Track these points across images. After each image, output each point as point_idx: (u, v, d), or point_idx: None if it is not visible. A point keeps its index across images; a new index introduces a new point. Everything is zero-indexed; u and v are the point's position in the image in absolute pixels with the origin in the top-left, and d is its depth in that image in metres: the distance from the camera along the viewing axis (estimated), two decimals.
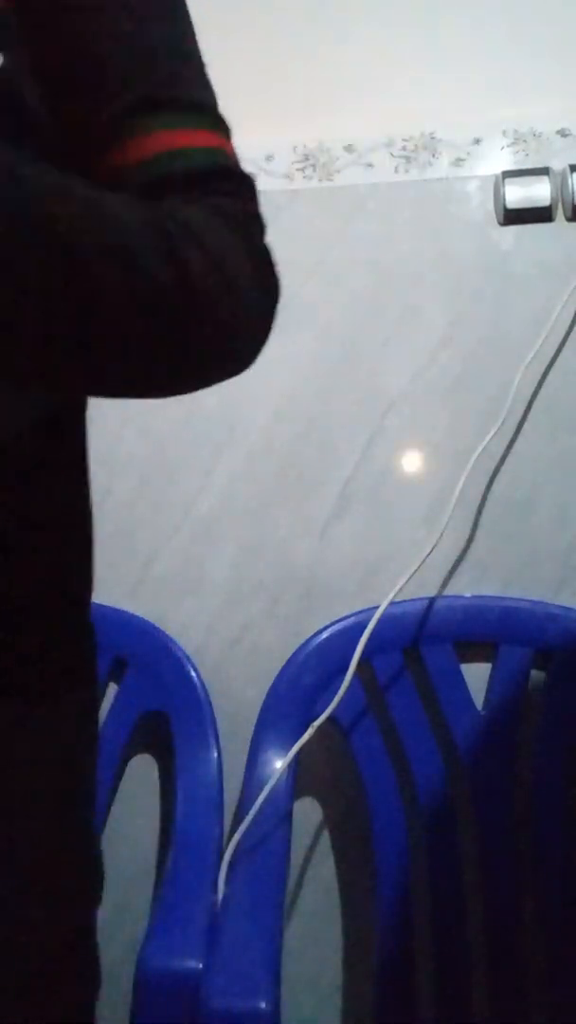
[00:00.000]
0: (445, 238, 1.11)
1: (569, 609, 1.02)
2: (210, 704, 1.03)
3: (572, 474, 1.06)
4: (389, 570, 1.07)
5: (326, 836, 1.07)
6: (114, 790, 1.09)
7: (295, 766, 0.97)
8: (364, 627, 0.97)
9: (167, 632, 1.08)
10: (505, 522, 1.06)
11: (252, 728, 0.99)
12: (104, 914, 1.10)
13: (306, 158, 1.14)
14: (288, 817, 0.94)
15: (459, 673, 1.01)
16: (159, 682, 1.05)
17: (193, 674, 1.05)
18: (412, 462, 1.09)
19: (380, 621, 0.97)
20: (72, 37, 0.47)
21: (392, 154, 1.12)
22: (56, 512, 0.53)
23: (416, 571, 0.99)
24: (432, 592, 1.06)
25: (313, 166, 1.13)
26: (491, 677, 1.01)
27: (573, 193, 1.07)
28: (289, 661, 1.02)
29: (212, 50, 1.27)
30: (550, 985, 0.93)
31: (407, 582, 0.98)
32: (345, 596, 1.07)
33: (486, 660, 1.02)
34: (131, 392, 0.47)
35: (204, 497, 1.12)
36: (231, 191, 0.51)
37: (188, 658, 1.06)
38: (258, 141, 1.14)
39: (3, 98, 0.45)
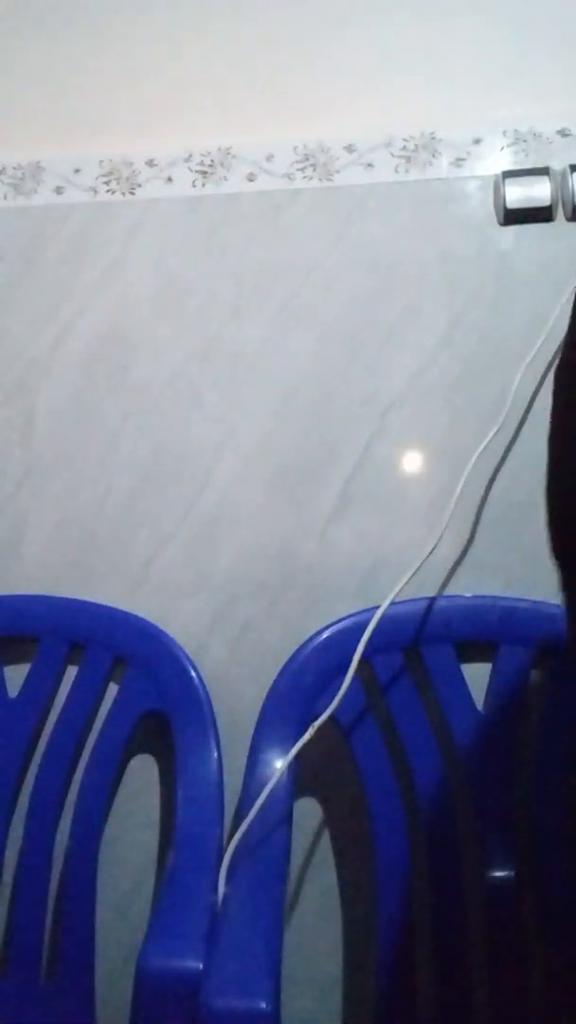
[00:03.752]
0: (445, 238, 1.11)
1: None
2: (210, 704, 1.03)
3: None
4: (389, 570, 1.07)
5: (326, 836, 1.07)
6: (114, 790, 1.09)
7: (295, 766, 0.97)
8: (364, 627, 0.97)
9: (167, 632, 1.08)
10: (505, 522, 1.06)
11: (252, 728, 0.99)
12: (104, 914, 1.11)
13: (306, 158, 1.14)
14: (288, 817, 0.94)
15: (459, 673, 1.01)
16: (159, 682, 1.05)
17: (193, 674, 1.05)
18: (412, 462, 1.09)
19: (380, 621, 0.97)
20: None
21: (392, 154, 1.12)
22: None
23: (416, 571, 0.99)
24: (432, 592, 1.06)
25: (313, 166, 1.13)
26: (491, 677, 1.01)
27: (573, 193, 1.07)
28: (289, 661, 1.02)
29: (213, 50, 1.28)
30: (550, 985, 0.93)
31: (407, 582, 0.98)
32: (345, 596, 1.07)
33: (486, 660, 1.02)
34: None
35: (204, 497, 1.12)
36: None
37: (188, 658, 1.06)
38: (258, 141, 1.15)
39: None
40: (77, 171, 1.18)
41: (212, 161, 1.16)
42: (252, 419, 1.12)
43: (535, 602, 1.03)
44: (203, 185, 1.16)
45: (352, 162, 1.13)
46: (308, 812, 1.07)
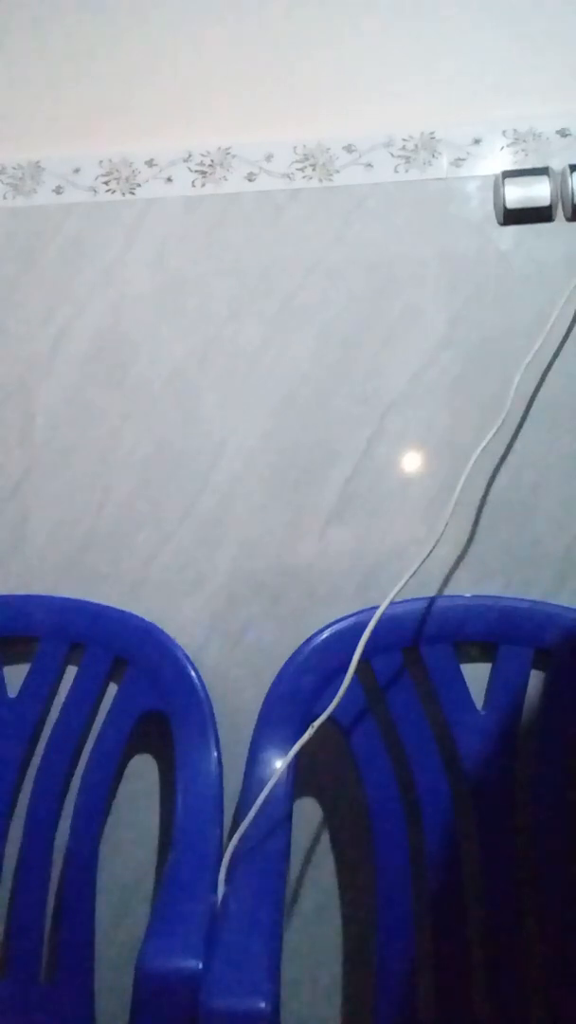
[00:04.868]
0: (445, 238, 1.11)
1: (569, 609, 1.02)
2: (210, 704, 1.03)
3: (572, 474, 1.06)
4: (389, 570, 1.07)
5: (326, 836, 1.07)
6: (114, 790, 1.09)
7: (295, 766, 0.97)
8: (364, 627, 0.97)
9: (167, 632, 1.08)
10: (505, 522, 1.06)
11: (252, 728, 0.99)
12: (104, 914, 1.11)
13: (306, 158, 1.14)
14: (288, 817, 0.94)
15: (459, 673, 1.01)
16: (159, 682, 1.05)
17: (193, 674, 1.05)
18: (412, 462, 1.09)
19: (380, 621, 0.97)
20: None
21: (392, 154, 1.12)
22: None
23: (416, 571, 0.99)
24: (432, 592, 1.06)
25: (313, 166, 1.13)
26: (491, 677, 1.01)
27: (573, 193, 1.07)
28: (289, 661, 1.02)
29: (213, 50, 1.28)
30: (550, 985, 0.93)
31: (407, 582, 0.98)
32: (345, 596, 1.07)
33: (486, 660, 1.02)
34: None
35: (204, 497, 1.12)
36: None
37: (188, 658, 1.06)
38: (258, 141, 1.15)
39: None
40: (77, 171, 1.18)
41: (212, 161, 1.16)
42: (252, 419, 1.12)
43: (535, 602, 1.03)
44: (203, 185, 1.16)
45: (352, 162, 1.13)
46: (308, 812, 1.07)
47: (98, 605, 1.11)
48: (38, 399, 1.16)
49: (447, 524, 1.02)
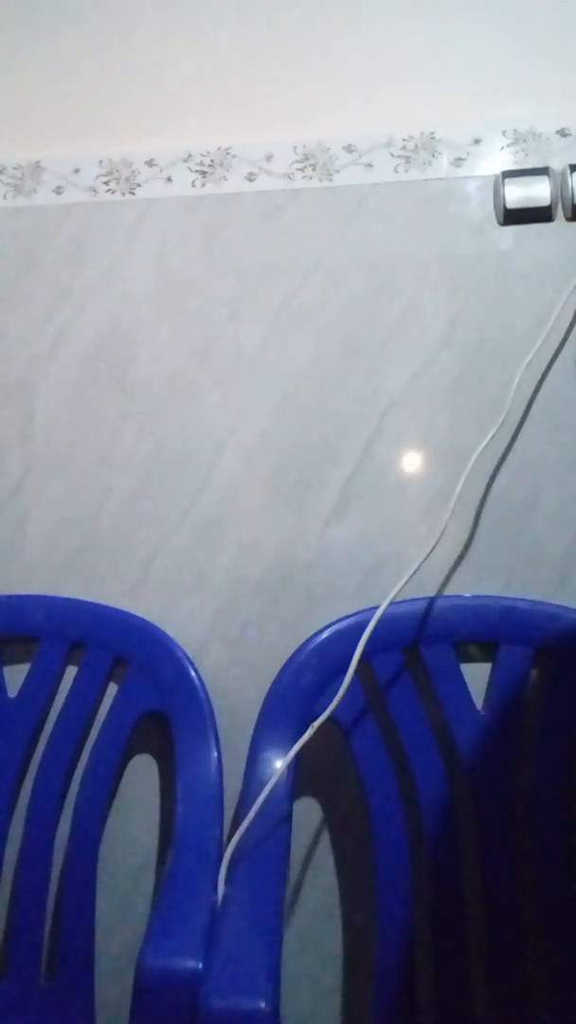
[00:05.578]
0: (445, 238, 1.11)
1: (569, 609, 1.02)
2: (210, 704, 1.03)
3: (572, 474, 1.06)
4: (389, 570, 1.07)
5: (326, 836, 1.07)
6: (114, 790, 1.09)
7: (295, 766, 0.97)
8: (364, 627, 0.97)
9: (167, 632, 1.08)
10: (505, 522, 1.06)
11: (252, 728, 0.99)
12: (104, 914, 1.11)
13: (306, 158, 1.14)
14: (288, 817, 0.94)
15: (459, 673, 1.01)
16: (159, 682, 1.05)
17: (193, 674, 1.05)
18: (412, 462, 1.09)
19: (380, 621, 0.97)
20: None
21: (392, 154, 1.12)
22: None
23: (416, 571, 0.99)
24: (432, 592, 1.06)
25: (313, 166, 1.13)
26: (491, 677, 1.01)
27: (573, 193, 1.07)
28: (289, 661, 1.02)
29: (213, 50, 1.28)
30: (550, 985, 0.93)
31: (407, 582, 0.98)
32: (345, 596, 1.07)
33: (486, 660, 1.02)
34: None
35: (204, 497, 1.12)
36: None
37: (188, 658, 1.06)
38: (258, 141, 1.15)
39: None
40: (77, 171, 1.18)
41: (212, 161, 1.16)
42: (252, 419, 1.12)
43: (535, 602, 1.03)
44: (203, 185, 1.16)
45: (352, 162, 1.13)
46: (308, 812, 1.07)
47: (98, 605, 1.11)
48: (38, 399, 1.16)
49: (447, 524, 1.02)
